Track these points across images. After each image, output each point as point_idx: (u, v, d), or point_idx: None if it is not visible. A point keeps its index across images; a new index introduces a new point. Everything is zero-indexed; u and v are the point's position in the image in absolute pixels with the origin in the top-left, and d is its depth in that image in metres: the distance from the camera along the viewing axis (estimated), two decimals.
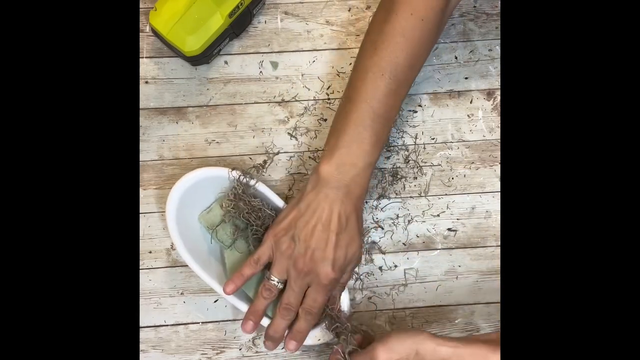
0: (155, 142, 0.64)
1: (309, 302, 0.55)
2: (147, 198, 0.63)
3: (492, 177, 0.64)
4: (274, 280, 0.55)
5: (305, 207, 0.54)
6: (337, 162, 0.54)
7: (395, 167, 0.64)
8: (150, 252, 0.62)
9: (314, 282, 0.54)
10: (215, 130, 0.64)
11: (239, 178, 0.58)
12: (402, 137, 0.65)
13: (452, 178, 0.64)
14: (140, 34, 0.65)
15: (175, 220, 0.57)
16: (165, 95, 0.65)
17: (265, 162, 0.63)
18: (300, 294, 0.55)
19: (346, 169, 0.53)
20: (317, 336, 0.57)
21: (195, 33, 0.60)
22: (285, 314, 0.55)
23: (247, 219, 0.58)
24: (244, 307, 0.57)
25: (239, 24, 0.64)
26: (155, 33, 0.62)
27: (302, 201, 0.55)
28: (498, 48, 0.66)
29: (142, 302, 0.61)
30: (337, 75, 0.65)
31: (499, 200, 0.63)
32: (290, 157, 0.64)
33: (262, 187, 0.59)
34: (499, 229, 0.63)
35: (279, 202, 0.59)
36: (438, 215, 0.63)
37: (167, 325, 0.61)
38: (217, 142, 0.64)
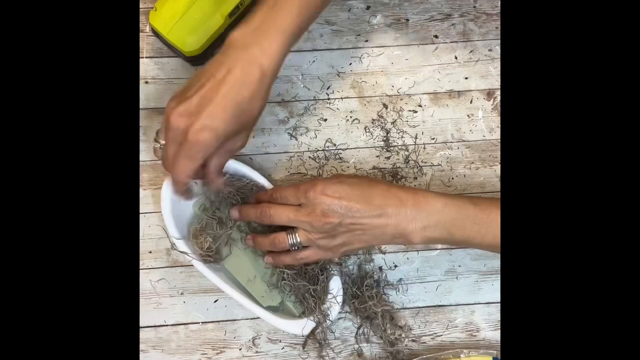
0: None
1: (173, 162, 0.50)
2: (147, 198, 0.63)
3: (492, 177, 0.64)
4: (157, 142, 0.52)
5: (204, 69, 0.50)
6: (250, 28, 0.50)
7: (395, 167, 0.64)
8: (150, 252, 0.62)
9: (182, 141, 0.48)
10: None
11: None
12: (402, 137, 0.65)
13: (452, 178, 0.64)
14: (140, 34, 0.65)
15: (170, 209, 0.58)
16: (165, 95, 0.64)
17: None
18: (175, 145, 0.49)
19: (257, 34, 0.49)
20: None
21: (195, 33, 0.60)
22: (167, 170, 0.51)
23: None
24: (243, 299, 0.56)
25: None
26: (155, 33, 0.62)
27: (205, 66, 0.51)
28: (498, 48, 0.66)
29: (142, 302, 0.61)
30: (337, 75, 0.65)
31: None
32: (290, 157, 0.64)
33: (244, 169, 0.59)
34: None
35: (264, 181, 0.59)
36: None
37: (167, 325, 0.61)
38: None
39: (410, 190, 0.53)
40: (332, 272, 0.58)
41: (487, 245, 0.52)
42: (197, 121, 0.47)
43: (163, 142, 0.51)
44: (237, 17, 0.62)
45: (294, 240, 0.53)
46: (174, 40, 0.60)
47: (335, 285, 0.58)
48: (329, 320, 0.57)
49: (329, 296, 0.57)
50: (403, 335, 0.60)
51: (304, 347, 0.60)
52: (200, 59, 0.63)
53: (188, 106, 0.48)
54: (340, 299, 0.57)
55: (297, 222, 0.52)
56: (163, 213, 0.58)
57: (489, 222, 0.51)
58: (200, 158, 0.49)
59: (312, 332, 0.57)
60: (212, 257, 0.58)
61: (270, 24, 0.50)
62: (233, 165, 0.59)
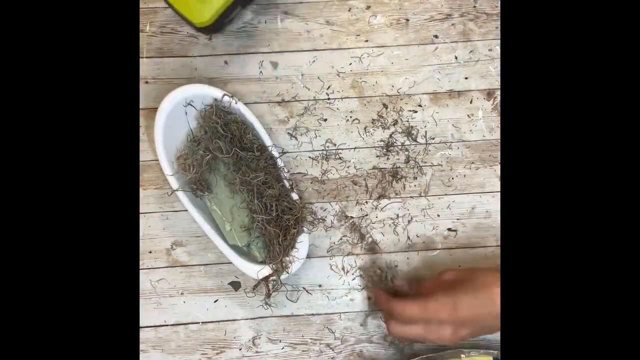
0: (155, 142, 0.64)
1: None
2: (147, 198, 0.63)
3: (492, 177, 0.64)
4: None
5: None
6: None
7: (395, 167, 0.64)
8: (150, 252, 0.62)
9: None
10: None
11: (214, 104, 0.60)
12: (402, 137, 0.65)
13: (452, 178, 0.64)
14: (140, 34, 0.65)
15: (162, 139, 0.59)
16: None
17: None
18: None
19: None
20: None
21: (206, 2, 0.59)
22: None
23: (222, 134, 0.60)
24: (213, 235, 0.58)
25: None
26: (167, 2, 0.61)
27: None
28: (498, 48, 0.66)
29: (142, 302, 0.61)
30: (337, 75, 0.65)
31: (499, 200, 0.63)
32: (291, 157, 0.64)
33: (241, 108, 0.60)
34: (499, 229, 0.63)
35: (255, 122, 0.60)
36: (438, 215, 0.63)
37: (167, 325, 0.61)
38: None
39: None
40: (304, 228, 0.59)
41: None
42: None
43: None
44: None
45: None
46: (182, 10, 0.59)
47: (304, 241, 0.58)
48: (287, 272, 0.57)
49: (294, 251, 0.57)
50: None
51: (254, 288, 0.60)
52: (211, 29, 0.62)
53: None
54: (303, 254, 0.58)
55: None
56: (156, 143, 0.59)
57: None
58: None
59: (267, 277, 0.57)
60: (198, 189, 0.60)
61: None
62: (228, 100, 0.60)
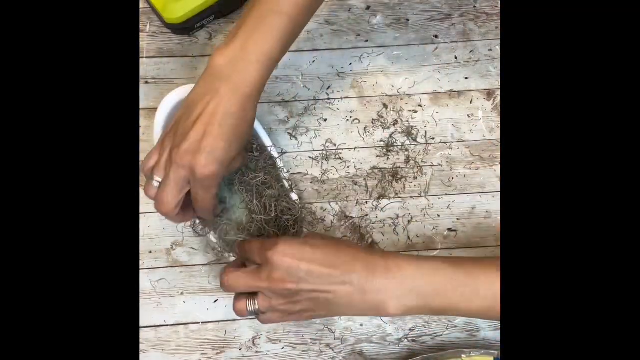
0: (155, 142, 0.64)
1: (195, 199, 0.51)
2: (147, 198, 0.62)
3: (492, 177, 0.64)
4: (156, 181, 0.51)
5: (191, 102, 0.50)
6: (230, 55, 0.49)
7: (395, 167, 0.64)
8: (150, 252, 0.62)
9: (192, 179, 0.49)
10: None
11: None
12: (402, 137, 0.65)
13: (452, 178, 0.64)
14: (140, 34, 0.65)
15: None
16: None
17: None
18: (175, 188, 0.50)
19: (238, 63, 0.49)
20: None
21: (181, 1, 0.59)
22: (159, 209, 0.51)
23: None
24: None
25: (227, 3, 0.63)
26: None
27: (189, 97, 0.51)
28: (498, 48, 0.66)
29: (142, 302, 0.61)
30: (337, 75, 0.65)
31: (499, 200, 0.64)
32: (291, 157, 0.64)
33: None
34: (499, 229, 0.63)
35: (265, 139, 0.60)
36: (438, 215, 0.63)
37: (167, 325, 0.61)
38: None
39: (380, 255, 0.48)
40: (303, 228, 0.59)
41: (475, 311, 0.46)
42: (201, 157, 0.48)
43: (159, 179, 0.51)
44: None
45: (252, 308, 0.49)
46: (156, 4, 0.59)
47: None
48: None
49: None
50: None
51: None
52: (180, 28, 0.62)
53: (189, 146, 0.48)
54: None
55: (256, 288, 0.49)
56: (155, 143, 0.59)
57: (475, 286, 0.46)
58: (214, 187, 0.50)
59: None
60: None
61: (251, 50, 0.49)
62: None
